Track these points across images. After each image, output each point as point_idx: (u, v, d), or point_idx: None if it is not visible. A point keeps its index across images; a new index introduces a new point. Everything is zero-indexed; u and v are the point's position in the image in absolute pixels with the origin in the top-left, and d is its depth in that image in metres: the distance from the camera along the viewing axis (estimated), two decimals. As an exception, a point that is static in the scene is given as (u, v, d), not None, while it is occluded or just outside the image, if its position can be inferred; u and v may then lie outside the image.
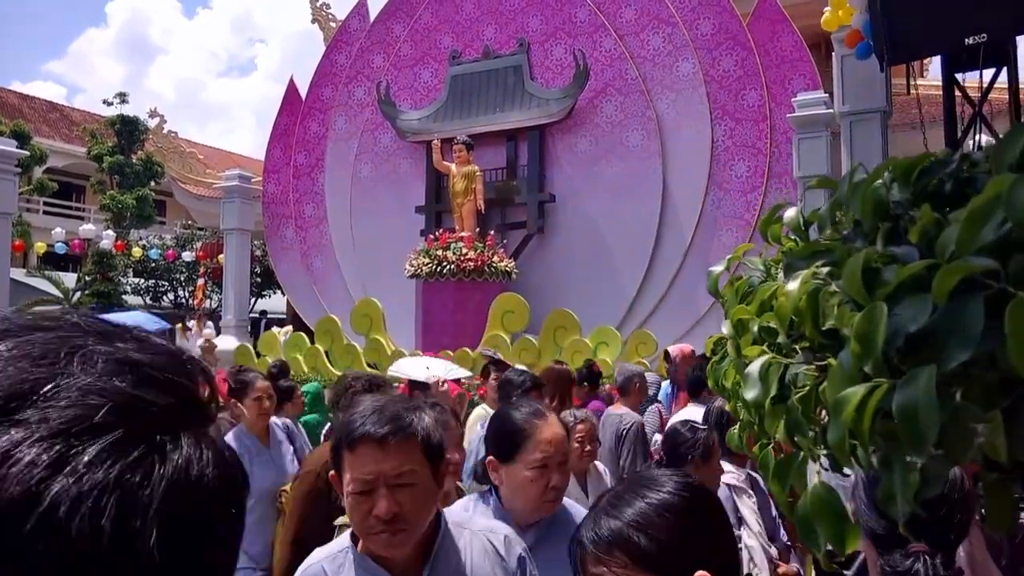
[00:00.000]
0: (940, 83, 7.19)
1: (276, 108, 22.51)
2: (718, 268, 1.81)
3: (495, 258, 16.36)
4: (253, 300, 26.71)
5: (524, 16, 18.60)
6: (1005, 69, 6.63)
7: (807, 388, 1.11)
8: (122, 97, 35.07)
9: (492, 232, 16.94)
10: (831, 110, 13.63)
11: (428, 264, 16.36)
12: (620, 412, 7.19)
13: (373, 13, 20.98)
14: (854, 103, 12.27)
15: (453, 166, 16.83)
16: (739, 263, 1.79)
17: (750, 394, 1.23)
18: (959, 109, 6.54)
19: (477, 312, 15.77)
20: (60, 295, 28.44)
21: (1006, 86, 7.08)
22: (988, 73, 6.52)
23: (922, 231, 0.99)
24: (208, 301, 28.50)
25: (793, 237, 1.51)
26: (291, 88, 22.12)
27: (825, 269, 1.14)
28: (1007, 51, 6.17)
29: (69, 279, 29.50)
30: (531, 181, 17.84)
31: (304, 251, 21.12)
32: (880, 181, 1.12)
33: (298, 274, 21.34)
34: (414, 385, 5.43)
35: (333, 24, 22.08)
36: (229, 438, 4.90)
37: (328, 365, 16.56)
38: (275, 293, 27.89)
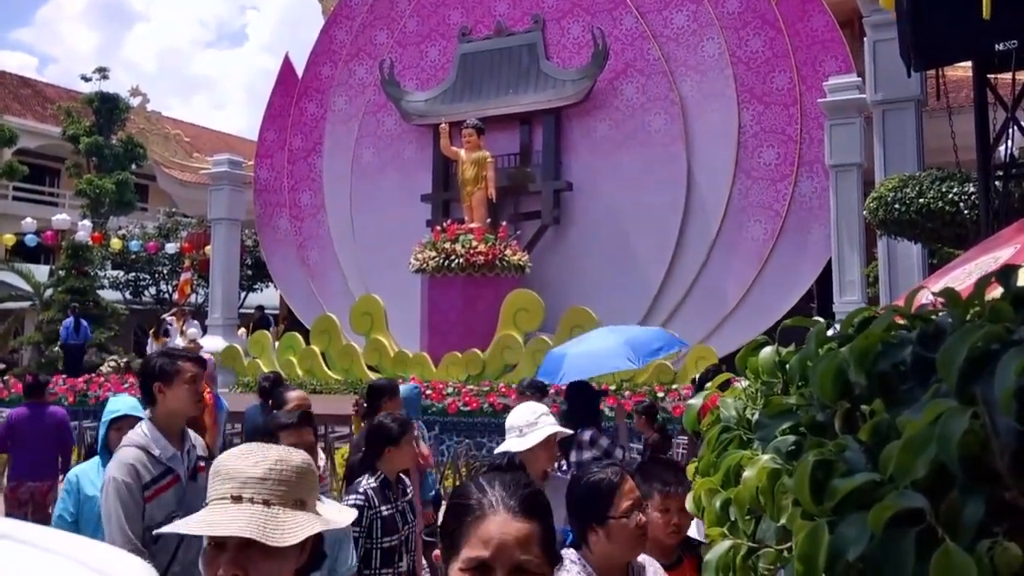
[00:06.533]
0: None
1: (270, 83, 22.95)
2: (696, 402, 1.93)
3: (507, 251, 16.70)
4: (243, 294, 26.94)
5: (539, -10, 18.96)
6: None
7: None
8: (102, 72, 35.30)
9: (504, 223, 17.30)
10: (864, 95, 13.99)
11: (435, 258, 16.66)
12: None
13: (375, -15, 21.29)
14: (887, 91, 12.67)
15: (462, 152, 17.18)
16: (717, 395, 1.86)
17: None
18: (992, 111, 6.91)
19: (488, 310, 16.16)
20: (31, 290, 28.65)
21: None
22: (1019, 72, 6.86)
23: (872, 429, 1.14)
24: (194, 296, 28.75)
25: (768, 379, 1.62)
26: (286, 65, 22.51)
27: (790, 439, 1.30)
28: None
29: (41, 272, 29.63)
30: (546, 168, 18.22)
31: (300, 243, 21.52)
32: (841, 357, 1.25)
33: (293, 268, 21.73)
34: None
35: (332, -4, 22.44)
36: None
37: (325, 368, 16.86)
38: (267, 287, 28.03)
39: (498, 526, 1.82)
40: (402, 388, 8.10)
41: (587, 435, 7.02)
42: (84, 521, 5.26)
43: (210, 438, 8.05)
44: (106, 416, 5.64)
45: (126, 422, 5.42)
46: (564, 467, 6.95)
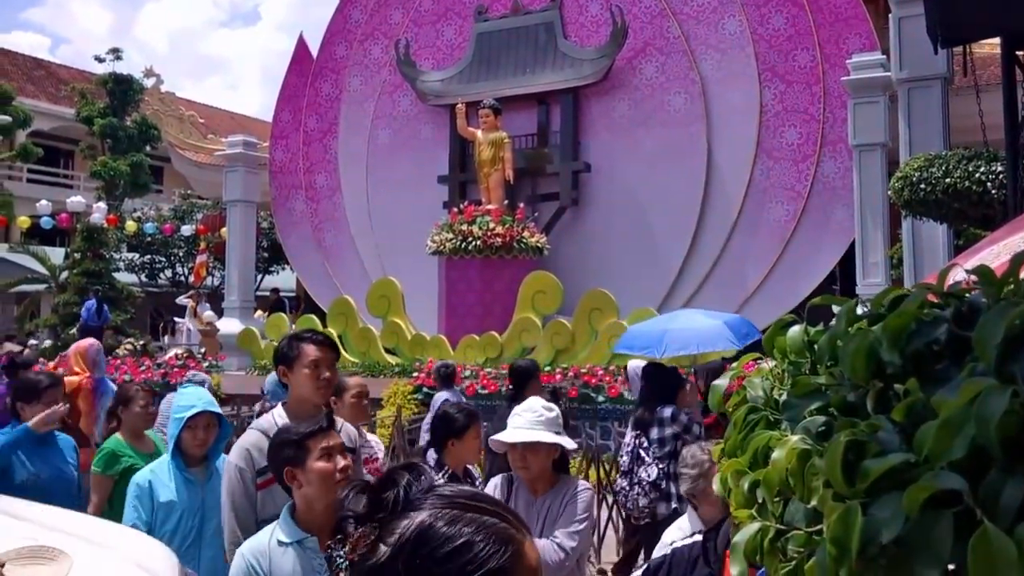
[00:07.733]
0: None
1: (284, 63, 22.92)
2: (722, 383, 1.84)
3: (525, 233, 16.66)
4: (260, 277, 27.01)
5: (557, -32, 18.84)
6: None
7: (793, 564, 1.25)
8: (116, 53, 35.47)
9: (522, 204, 17.29)
10: (888, 73, 13.87)
11: (452, 240, 16.64)
12: None
13: (390, -37, 21.20)
14: (912, 69, 12.52)
15: (479, 132, 17.15)
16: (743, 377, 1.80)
17: (735, 569, 1.34)
18: (1020, 89, 6.84)
19: (505, 292, 16.15)
20: (47, 273, 28.82)
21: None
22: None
23: (907, 409, 1.11)
24: (210, 279, 28.88)
25: (796, 359, 1.57)
26: (301, 45, 22.49)
27: (820, 419, 1.27)
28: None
29: (56, 255, 29.82)
30: (564, 149, 18.14)
31: (315, 225, 21.54)
32: (873, 336, 1.22)
33: (309, 251, 21.77)
34: None
35: (347, -25, 22.38)
36: None
37: (343, 351, 16.86)
38: (284, 269, 28.13)
39: (533, 554, 1.36)
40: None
41: (667, 412, 7.31)
42: (159, 528, 4.79)
43: (86, 424, 7.82)
44: (179, 413, 5.02)
45: (199, 420, 5.02)
46: (645, 444, 7.27)
